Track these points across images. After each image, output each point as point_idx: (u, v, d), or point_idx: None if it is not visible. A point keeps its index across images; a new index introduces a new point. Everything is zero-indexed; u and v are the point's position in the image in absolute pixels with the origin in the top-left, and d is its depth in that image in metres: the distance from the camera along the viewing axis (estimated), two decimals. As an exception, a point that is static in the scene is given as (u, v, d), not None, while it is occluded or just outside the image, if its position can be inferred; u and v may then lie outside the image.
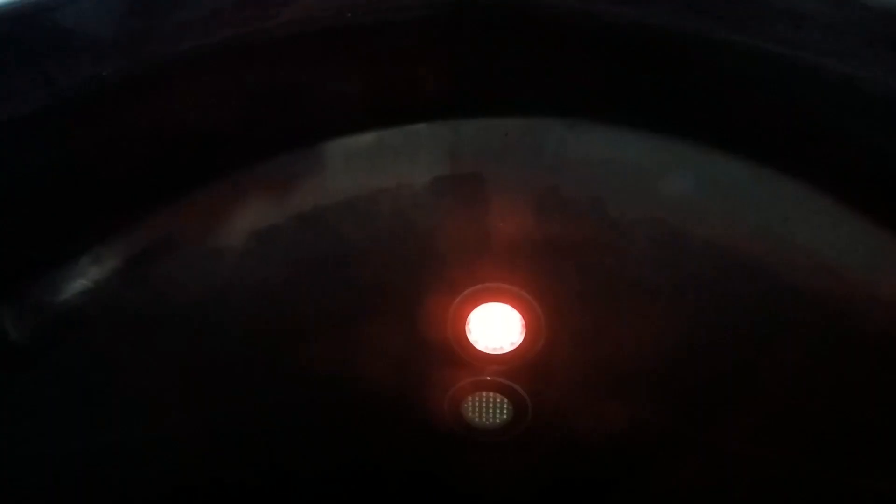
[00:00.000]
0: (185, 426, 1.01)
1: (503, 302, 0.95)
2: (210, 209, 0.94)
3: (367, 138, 0.92)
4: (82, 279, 0.96)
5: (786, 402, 0.95)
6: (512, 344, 0.95)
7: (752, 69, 0.82)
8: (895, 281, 0.90)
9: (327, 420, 1.01)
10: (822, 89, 0.81)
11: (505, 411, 0.99)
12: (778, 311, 0.93)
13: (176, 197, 0.94)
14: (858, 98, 0.81)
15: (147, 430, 1.00)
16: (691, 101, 0.87)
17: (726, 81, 0.84)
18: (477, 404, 0.98)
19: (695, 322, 0.94)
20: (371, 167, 0.93)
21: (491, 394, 0.97)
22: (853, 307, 0.91)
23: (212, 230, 0.95)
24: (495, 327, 0.95)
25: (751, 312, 0.93)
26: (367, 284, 0.96)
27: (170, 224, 0.95)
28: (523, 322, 0.94)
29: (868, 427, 0.95)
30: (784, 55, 0.80)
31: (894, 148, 0.85)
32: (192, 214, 0.95)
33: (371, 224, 0.94)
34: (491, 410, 0.98)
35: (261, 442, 1.02)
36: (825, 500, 0.99)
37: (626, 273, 0.94)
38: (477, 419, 0.99)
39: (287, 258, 0.96)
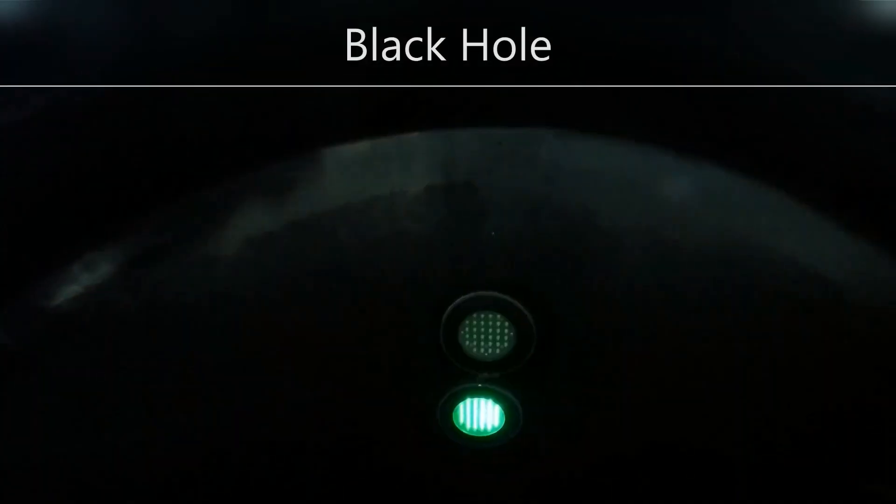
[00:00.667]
0: (179, 430, 1.06)
1: (495, 310, 1.00)
2: (205, 216, 0.98)
3: (361, 147, 0.95)
4: (76, 285, 0.99)
5: (778, 405, 1.02)
6: (503, 351, 1.01)
7: (741, 82, 0.85)
8: (878, 289, 0.95)
9: (320, 426, 1.07)
10: (811, 102, 0.85)
11: (496, 418, 1.05)
12: (766, 317, 0.99)
13: (171, 203, 0.97)
14: (847, 111, 0.84)
15: (140, 434, 1.05)
16: (682, 113, 0.91)
17: (717, 94, 0.87)
18: (468, 411, 1.04)
19: (685, 328, 1.00)
20: (365, 175, 0.96)
21: (482, 400, 1.04)
22: (839, 314, 0.98)
23: (206, 237, 0.99)
24: (487, 335, 1.00)
25: (739, 319, 1.00)
26: (360, 292, 1.00)
27: (164, 230, 0.98)
28: (514, 330, 0.99)
29: (860, 429, 1.01)
30: (774, 68, 0.84)
31: (880, 161, 0.89)
32: (186, 221, 0.98)
33: (365, 231, 0.98)
34: (482, 417, 1.05)
35: (254, 447, 1.08)
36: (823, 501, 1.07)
37: (616, 281, 0.99)
38: (468, 426, 1.05)
39: (281, 265, 1.00)
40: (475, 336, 1.01)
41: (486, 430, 1.06)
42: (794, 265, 0.97)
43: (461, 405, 1.05)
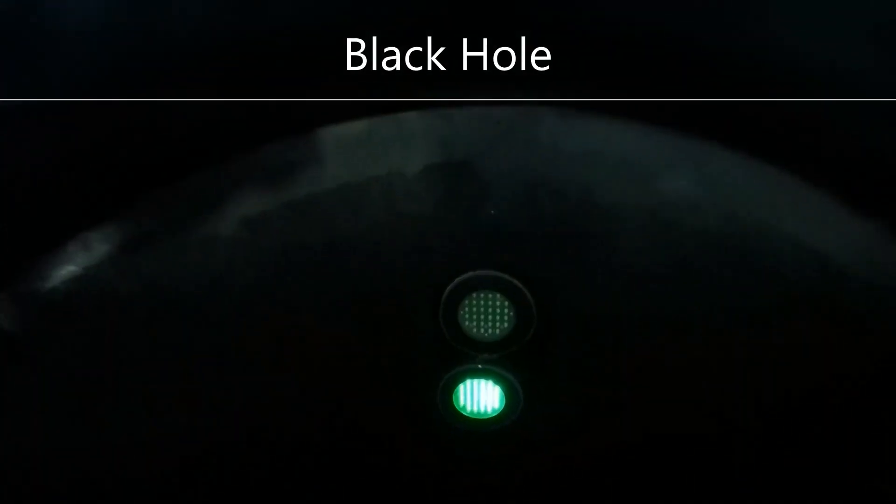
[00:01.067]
0: (179, 420, 1.10)
1: (494, 290, 1.03)
2: (201, 196, 1.00)
3: (358, 126, 0.97)
4: (72, 266, 1.02)
5: (779, 392, 1.06)
6: (503, 332, 1.04)
7: (746, 64, 0.87)
8: (884, 270, 0.99)
9: (319, 410, 1.10)
10: (814, 84, 0.87)
11: (497, 400, 1.09)
12: (768, 300, 1.03)
13: (167, 184, 0.99)
14: (850, 93, 0.87)
15: (140, 425, 1.09)
16: (685, 94, 0.92)
17: (720, 76, 0.90)
18: (469, 393, 1.09)
19: (686, 311, 1.04)
20: (363, 155, 0.98)
21: (482, 382, 1.07)
22: (844, 297, 1.01)
23: (203, 218, 1.01)
24: (486, 315, 1.04)
25: (741, 301, 1.03)
26: (358, 273, 1.04)
27: (161, 211, 1.00)
28: (514, 310, 1.03)
29: (862, 420, 1.05)
30: (777, 52, 0.86)
31: (882, 142, 0.91)
32: (183, 201, 1.00)
33: (362, 212, 1.01)
34: (482, 399, 1.09)
35: (254, 433, 1.11)
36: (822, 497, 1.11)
37: (616, 262, 1.03)
38: (469, 408, 1.10)
39: (278, 246, 1.02)
40: (475, 316, 1.04)
41: (485, 412, 1.10)
42: (797, 246, 1.00)
43: (461, 387, 1.09)
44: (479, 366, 1.07)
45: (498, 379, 1.08)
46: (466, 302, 1.05)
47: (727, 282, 1.02)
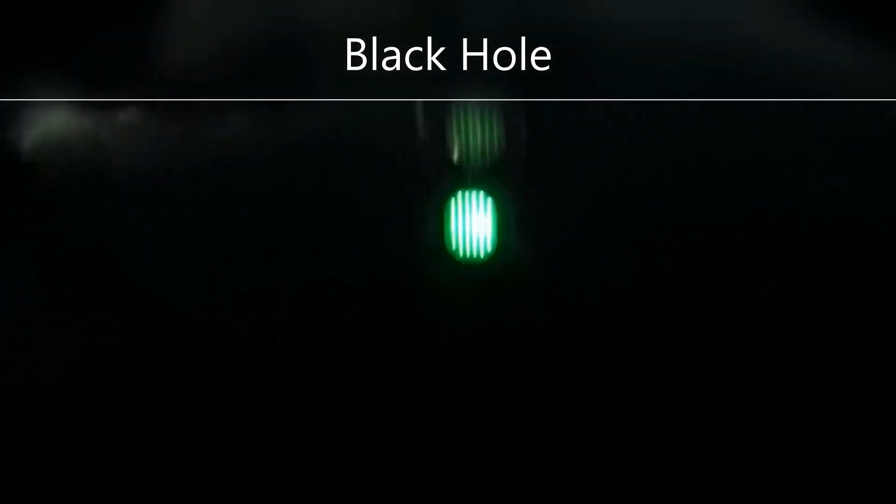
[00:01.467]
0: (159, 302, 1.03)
1: (483, 107, 1.00)
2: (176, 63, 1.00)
3: None
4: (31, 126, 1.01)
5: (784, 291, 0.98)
6: (493, 153, 1.04)
7: None
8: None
9: (304, 245, 1.04)
10: None
11: (488, 230, 1.05)
12: (764, 115, 0.99)
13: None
14: None
15: (109, 310, 1.02)
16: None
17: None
18: (459, 224, 1.05)
19: (679, 123, 1.01)
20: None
21: (473, 193, 1.05)
22: (855, 114, 0.98)
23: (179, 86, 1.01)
24: (476, 131, 1.02)
25: (735, 116, 1.00)
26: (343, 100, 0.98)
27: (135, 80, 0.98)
28: (504, 127, 1.02)
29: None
30: None
31: None
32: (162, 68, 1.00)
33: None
34: (473, 227, 1.06)
35: (237, 305, 1.02)
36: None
37: (609, 75, 0.99)
38: (459, 244, 1.06)
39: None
40: (462, 135, 1.02)
41: (477, 244, 1.05)
42: (790, 60, 0.98)
43: (451, 216, 1.05)
44: (471, 182, 1.04)
45: (489, 193, 1.05)
46: (453, 118, 1.01)
47: (723, 93, 0.99)
